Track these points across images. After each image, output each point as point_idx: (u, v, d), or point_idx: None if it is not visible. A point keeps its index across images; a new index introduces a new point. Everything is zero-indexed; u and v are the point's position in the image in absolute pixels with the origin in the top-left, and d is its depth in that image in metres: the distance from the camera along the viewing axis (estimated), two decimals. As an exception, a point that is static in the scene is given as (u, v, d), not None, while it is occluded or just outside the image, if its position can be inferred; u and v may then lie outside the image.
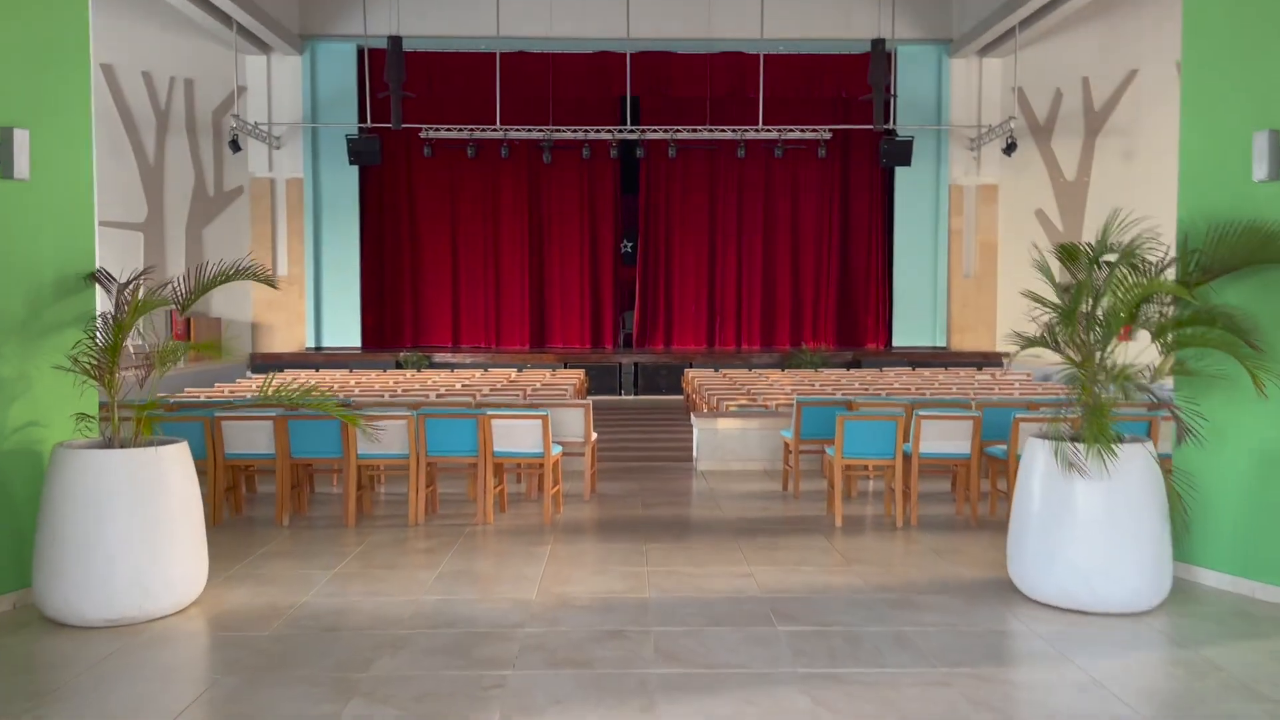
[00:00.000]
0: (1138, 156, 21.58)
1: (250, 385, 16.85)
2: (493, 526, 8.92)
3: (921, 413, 8.94)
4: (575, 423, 9.96)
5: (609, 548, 8.19)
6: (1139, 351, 7.40)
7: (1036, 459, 6.80)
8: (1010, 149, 21.39)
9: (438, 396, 15.13)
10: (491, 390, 15.96)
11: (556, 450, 9.36)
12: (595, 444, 10.36)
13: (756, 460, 11.60)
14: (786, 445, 10.47)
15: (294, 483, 9.33)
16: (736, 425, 11.57)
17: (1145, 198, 22.19)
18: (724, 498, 10.20)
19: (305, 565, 7.69)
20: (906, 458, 9.02)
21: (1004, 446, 9.23)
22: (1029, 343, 7.33)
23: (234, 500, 9.47)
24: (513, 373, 18.97)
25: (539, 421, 8.99)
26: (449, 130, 21.84)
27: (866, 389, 16.32)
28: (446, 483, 10.86)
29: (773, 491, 10.51)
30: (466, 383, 17.26)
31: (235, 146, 20.98)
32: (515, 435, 9.04)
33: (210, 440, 9.01)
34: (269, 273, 7.39)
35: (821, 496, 10.24)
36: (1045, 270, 7.48)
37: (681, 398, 20.04)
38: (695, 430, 11.72)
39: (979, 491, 9.17)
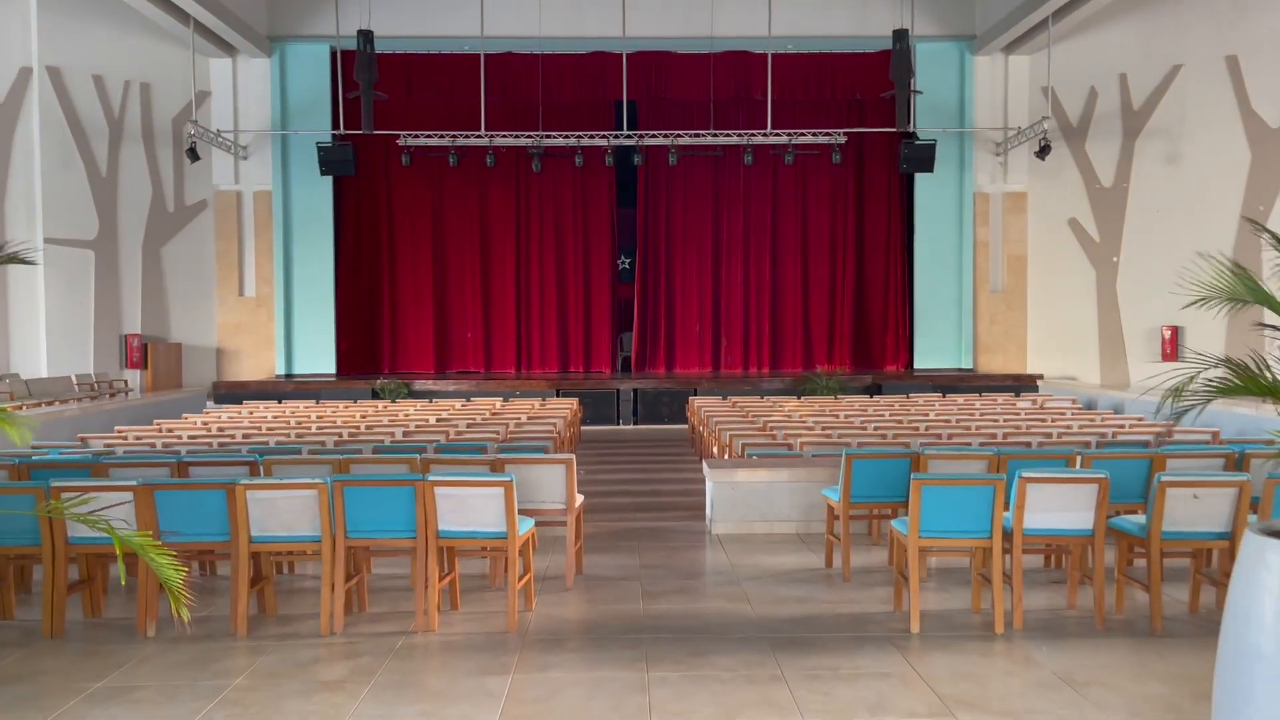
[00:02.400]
0: (1183, 159, 18.92)
1: (195, 422, 14.17)
2: (437, 637, 6.19)
3: (1027, 472, 6.23)
4: (554, 484, 7.26)
5: (596, 678, 5.45)
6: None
7: (1268, 569, 4.10)
8: (1044, 152, 18.74)
9: (404, 435, 12.52)
10: (469, 426, 13.34)
11: (526, 526, 6.64)
12: (582, 510, 7.65)
13: (786, 521, 8.89)
14: (830, 508, 7.74)
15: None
16: (761, 476, 8.86)
17: (1192, 204, 19.58)
18: (750, 578, 7.48)
19: (145, 718, 4.97)
20: (1006, 534, 6.31)
21: (1139, 519, 6.51)
22: (1242, 386, 4.64)
23: (89, 599, 6.73)
24: (498, 403, 16.33)
25: (500, 490, 6.27)
26: (429, 137, 19.21)
27: (900, 422, 13.66)
28: (384, 564, 8.12)
29: (813, 569, 7.76)
30: (443, 416, 14.61)
31: (193, 155, 18.32)
32: (469, 509, 6.33)
33: (47, 518, 6.29)
34: (22, 248, 4.71)
35: (877, 576, 7.52)
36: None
37: (685, 427, 17.39)
38: (709, 482, 9.00)
39: (1104, 580, 6.42)
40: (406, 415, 14.91)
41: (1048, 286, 20.40)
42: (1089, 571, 6.59)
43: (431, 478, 6.29)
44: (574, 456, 7.23)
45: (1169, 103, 19.07)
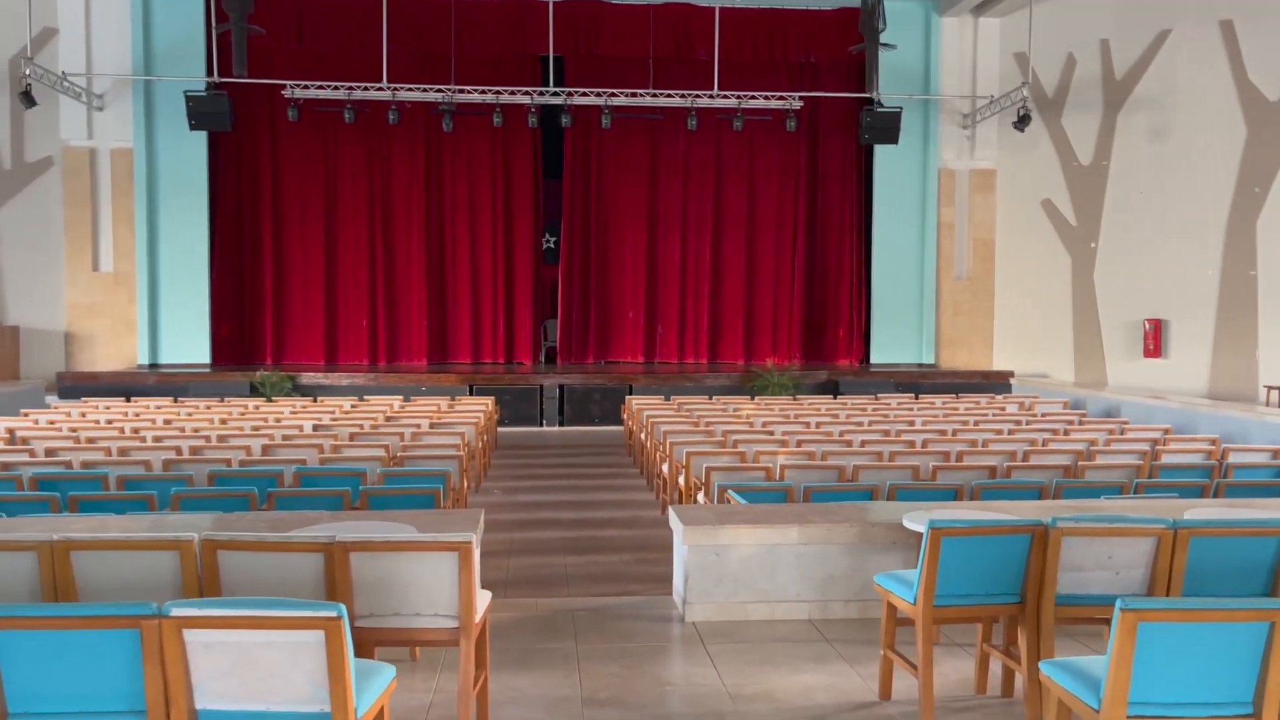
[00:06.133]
0: (1170, 134, 16.32)
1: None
2: None
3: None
4: (439, 582, 3.98)
5: None
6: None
7: None
8: (1023, 122, 15.94)
9: (263, 450, 9.17)
10: (352, 438, 10.06)
11: (374, 691, 3.35)
12: (488, 621, 4.37)
13: (795, 601, 5.74)
14: (890, 606, 4.60)
15: None
16: (758, 538, 5.70)
17: (1180, 185, 16.94)
18: (762, 727, 4.31)
19: None
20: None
21: None
22: None
23: None
24: (397, 403, 12.99)
25: (316, 637, 3.00)
26: (321, 88, 15.63)
27: (887, 433, 10.76)
28: None
29: (861, 705, 4.60)
30: (324, 422, 11.23)
31: (28, 100, 14.50)
32: (256, 669, 3.05)
33: None
34: None
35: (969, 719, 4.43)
36: None
37: (620, 430, 14.28)
38: (681, 546, 5.79)
39: None
40: (279, 419, 11.49)
41: (1017, 274, 17.65)
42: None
43: (179, 611, 2.98)
44: (474, 537, 3.98)
45: (1156, 72, 16.43)
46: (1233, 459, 9.11)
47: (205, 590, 3.89)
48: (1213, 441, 10.00)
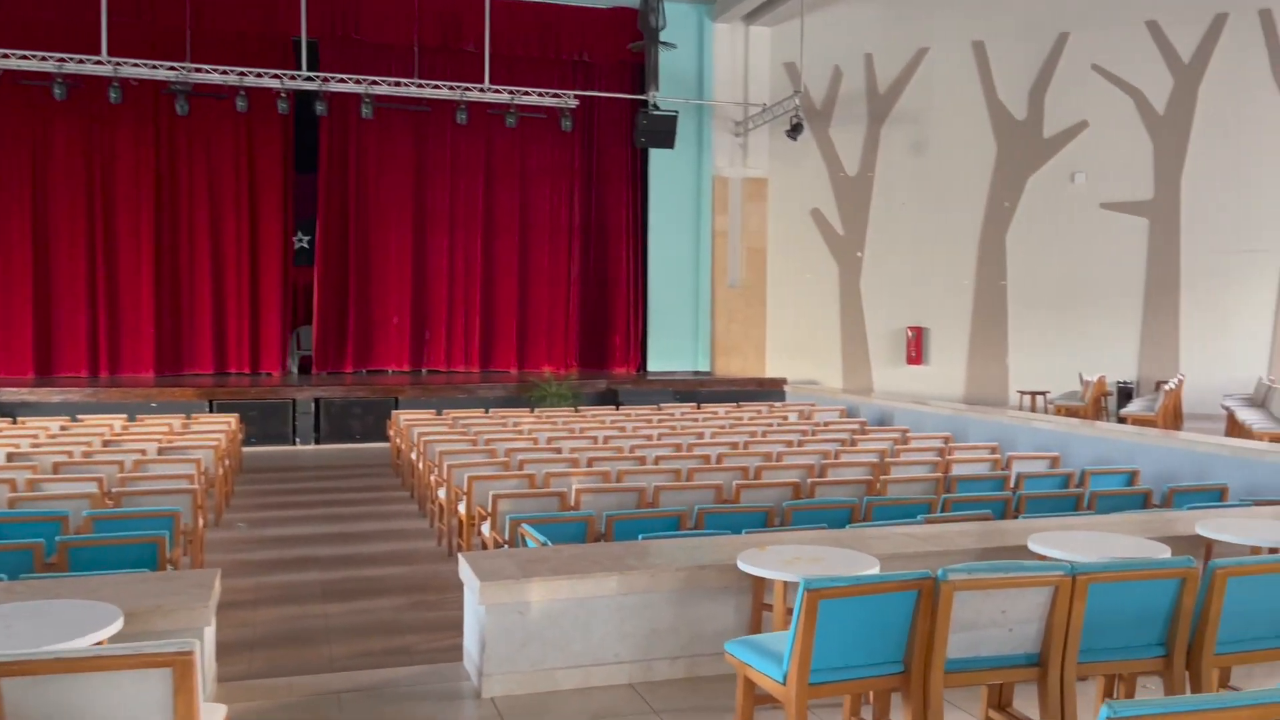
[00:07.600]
0: (929, 149, 16.73)
1: None
2: None
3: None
4: (145, 711, 2.72)
5: None
6: None
7: None
8: (795, 131, 15.81)
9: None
10: (57, 469, 8.26)
11: None
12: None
13: (613, 664, 4.75)
14: (745, 683, 3.68)
15: None
16: (570, 592, 4.67)
17: (938, 197, 17.38)
18: None
19: None
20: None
21: None
22: None
23: None
24: (119, 422, 11.03)
25: None
26: (25, 58, 13.20)
27: (679, 448, 10.11)
28: None
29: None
30: (20, 450, 9.25)
31: None
32: None
33: None
34: None
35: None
36: None
37: (386, 447, 12.87)
38: (477, 606, 4.65)
39: None
40: (-40, 447, 9.34)
41: (788, 282, 17.56)
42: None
43: None
44: (195, 650, 2.75)
45: (915, 88, 16.81)
46: (1017, 468, 9.00)
47: None
48: (993, 449, 10.01)
